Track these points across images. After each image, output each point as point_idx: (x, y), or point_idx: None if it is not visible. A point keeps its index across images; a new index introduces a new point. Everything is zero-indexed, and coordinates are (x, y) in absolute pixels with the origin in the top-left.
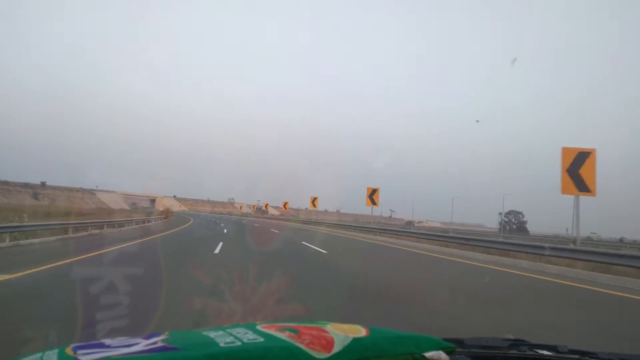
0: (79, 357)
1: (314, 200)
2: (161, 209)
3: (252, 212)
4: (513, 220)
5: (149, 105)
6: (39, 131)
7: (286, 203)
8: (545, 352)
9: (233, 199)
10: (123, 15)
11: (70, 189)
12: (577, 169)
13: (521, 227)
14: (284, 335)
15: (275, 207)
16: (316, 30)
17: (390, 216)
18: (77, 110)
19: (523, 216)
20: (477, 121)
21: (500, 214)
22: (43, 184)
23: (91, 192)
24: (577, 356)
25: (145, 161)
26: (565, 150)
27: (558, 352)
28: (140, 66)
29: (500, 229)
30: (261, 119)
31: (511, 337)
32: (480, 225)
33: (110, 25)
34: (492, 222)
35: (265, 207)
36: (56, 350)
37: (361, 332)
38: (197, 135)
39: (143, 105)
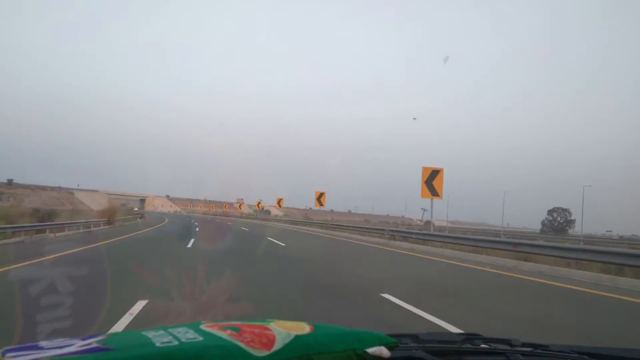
0: (19, 356)
1: (319, 196)
2: (135, 209)
3: (255, 213)
4: (559, 219)
5: (160, 107)
6: (20, 126)
7: (280, 200)
8: (498, 346)
9: (242, 199)
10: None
11: (43, 188)
12: (431, 181)
13: (566, 226)
14: (224, 334)
15: (284, 208)
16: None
17: (423, 218)
18: (71, 109)
19: (570, 214)
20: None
21: (550, 211)
22: (10, 182)
23: (69, 191)
24: (529, 349)
25: (144, 161)
26: (424, 169)
27: (512, 345)
28: (151, 70)
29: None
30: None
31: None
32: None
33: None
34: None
35: (258, 205)
36: None
37: (305, 329)
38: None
39: (157, 107)
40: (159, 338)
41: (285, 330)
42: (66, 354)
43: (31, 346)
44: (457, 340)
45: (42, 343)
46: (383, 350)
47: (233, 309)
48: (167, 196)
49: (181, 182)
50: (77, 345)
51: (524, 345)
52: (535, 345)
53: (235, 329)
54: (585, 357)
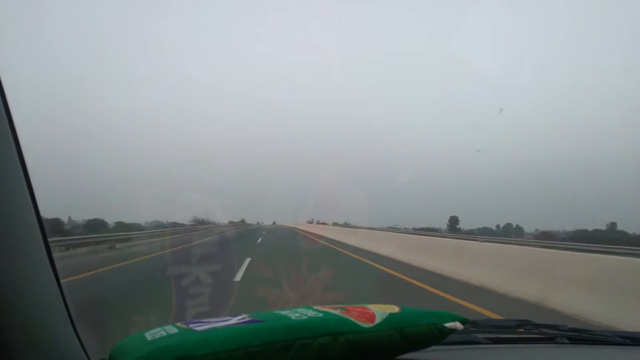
0: (193, 328)
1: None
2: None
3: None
4: None
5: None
6: None
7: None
8: (547, 331)
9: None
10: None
11: None
12: None
13: None
14: (337, 312)
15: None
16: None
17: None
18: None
19: None
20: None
21: None
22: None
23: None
24: (575, 333)
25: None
26: None
27: (559, 330)
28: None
29: None
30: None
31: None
32: None
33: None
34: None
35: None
36: (171, 326)
37: (395, 309)
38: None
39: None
40: (291, 314)
41: (381, 309)
42: (234, 324)
43: (201, 321)
44: (510, 326)
45: (206, 319)
46: (457, 325)
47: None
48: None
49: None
50: (236, 319)
51: (570, 330)
52: (581, 330)
53: (343, 309)
54: (628, 341)
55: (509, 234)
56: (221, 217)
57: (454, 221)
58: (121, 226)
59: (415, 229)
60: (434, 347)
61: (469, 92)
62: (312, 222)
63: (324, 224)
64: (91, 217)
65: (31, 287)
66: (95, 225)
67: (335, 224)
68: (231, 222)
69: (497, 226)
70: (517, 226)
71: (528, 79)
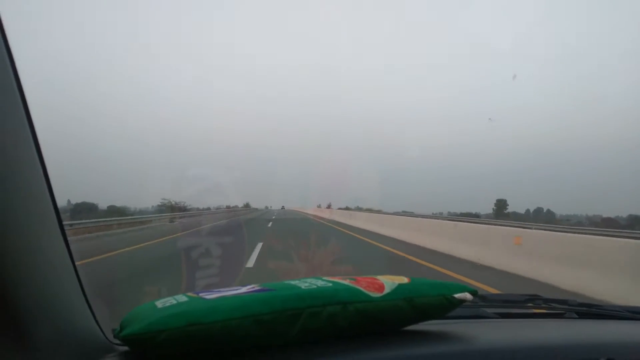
0: (203, 296)
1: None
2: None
3: None
4: None
5: None
6: None
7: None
8: (556, 305)
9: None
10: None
11: None
12: None
13: None
14: (346, 282)
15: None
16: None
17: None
18: None
19: None
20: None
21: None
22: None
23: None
24: (584, 308)
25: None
26: None
27: (568, 304)
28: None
29: None
30: None
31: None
32: None
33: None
34: None
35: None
36: (181, 295)
37: (404, 280)
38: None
39: None
40: (301, 284)
41: (390, 280)
42: (244, 292)
43: (211, 291)
44: (519, 301)
45: (216, 289)
46: (467, 295)
47: None
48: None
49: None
50: (245, 288)
51: (580, 305)
52: (590, 305)
53: (352, 279)
54: (638, 315)
55: (541, 219)
56: (215, 200)
57: (502, 205)
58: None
59: (451, 214)
60: (442, 320)
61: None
62: (329, 207)
63: (344, 208)
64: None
65: (46, 262)
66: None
67: (347, 208)
68: (228, 207)
69: (527, 210)
70: (549, 210)
71: None
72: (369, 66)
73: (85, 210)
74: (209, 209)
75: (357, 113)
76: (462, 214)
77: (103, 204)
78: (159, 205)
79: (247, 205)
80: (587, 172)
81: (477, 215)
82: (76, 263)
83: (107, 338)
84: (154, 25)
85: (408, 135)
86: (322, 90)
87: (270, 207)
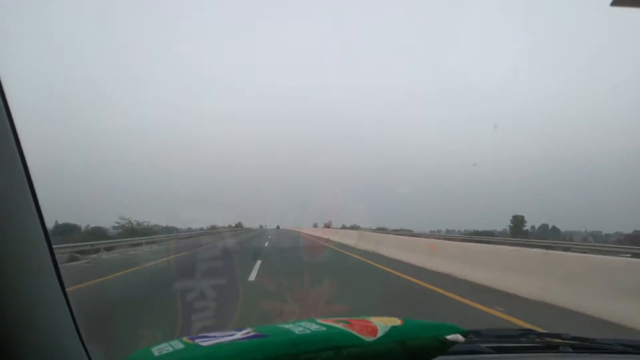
0: (199, 343)
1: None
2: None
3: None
4: None
5: None
6: None
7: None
8: (550, 339)
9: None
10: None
11: None
12: None
13: None
14: (340, 325)
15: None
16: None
17: None
18: None
19: None
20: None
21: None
22: None
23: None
24: (578, 342)
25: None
26: None
27: (562, 338)
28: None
29: None
30: None
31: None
32: None
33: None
34: None
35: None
36: (177, 340)
37: (397, 322)
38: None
39: None
40: (295, 328)
41: (383, 322)
42: (239, 338)
43: (205, 336)
44: (513, 335)
45: (210, 334)
46: (459, 337)
47: None
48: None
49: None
50: (240, 333)
51: (573, 338)
52: (583, 339)
53: (346, 322)
54: (630, 349)
55: (547, 236)
56: (196, 220)
57: (518, 222)
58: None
59: (464, 233)
60: (437, 358)
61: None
62: (328, 226)
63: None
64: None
65: (38, 298)
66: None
67: (349, 227)
68: (213, 227)
69: (532, 227)
70: (554, 227)
71: None
72: (368, 81)
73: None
74: (189, 229)
75: (358, 131)
76: (477, 232)
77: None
78: (113, 227)
79: (238, 225)
80: (588, 188)
81: (491, 234)
82: None
83: None
84: (134, 37)
85: (409, 153)
86: (317, 110)
87: (265, 226)
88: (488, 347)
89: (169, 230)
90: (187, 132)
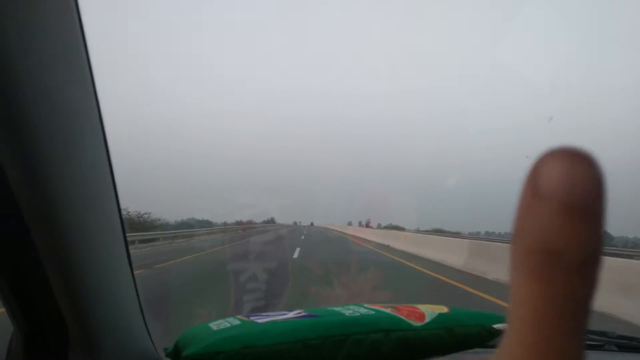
0: (254, 320)
1: None
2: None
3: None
4: None
5: None
6: None
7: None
8: (595, 337)
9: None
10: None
11: None
12: None
13: None
14: (387, 310)
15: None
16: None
17: None
18: None
19: None
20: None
21: None
22: None
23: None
24: (625, 341)
25: None
26: None
27: (607, 337)
28: None
29: None
30: None
31: None
32: None
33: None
34: None
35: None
36: (232, 318)
37: (444, 309)
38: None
39: None
40: (344, 311)
41: (430, 309)
42: (291, 317)
43: (259, 315)
44: None
45: (266, 313)
46: (507, 327)
47: None
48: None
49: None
50: (292, 313)
51: (619, 337)
52: (630, 338)
53: (393, 307)
54: None
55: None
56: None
57: None
58: None
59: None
60: (480, 349)
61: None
62: (367, 225)
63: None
64: None
65: (111, 280)
66: None
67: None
68: (240, 222)
69: None
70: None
71: None
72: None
73: None
74: (209, 223)
75: (398, 130)
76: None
77: None
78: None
79: (270, 221)
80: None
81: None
82: None
83: (159, 356)
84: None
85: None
86: (359, 112)
87: (300, 222)
88: None
89: (201, 224)
90: (219, 125)
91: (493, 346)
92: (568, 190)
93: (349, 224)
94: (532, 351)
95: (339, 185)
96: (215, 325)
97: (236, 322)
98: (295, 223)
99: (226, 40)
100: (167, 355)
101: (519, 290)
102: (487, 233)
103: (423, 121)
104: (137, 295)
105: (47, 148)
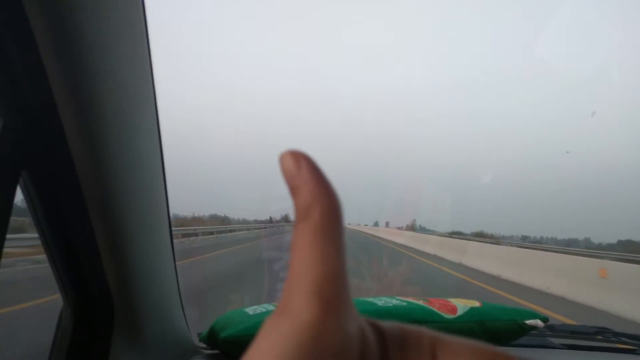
0: None
1: None
2: None
3: None
4: None
5: None
6: None
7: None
8: (627, 340)
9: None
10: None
11: None
12: None
13: None
14: (419, 302)
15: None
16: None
17: None
18: None
19: None
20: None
21: None
22: None
23: None
24: None
25: None
26: None
27: None
28: None
29: None
30: None
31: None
32: None
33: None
34: None
35: None
36: (267, 304)
37: (476, 304)
38: None
39: None
40: (377, 301)
41: (462, 303)
42: None
43: None
44: (588, 332)
45: None
46: (539, 322)
47: None
48: None
49: None
50: None
51: None
52: None
53: (425, 300)
54: None
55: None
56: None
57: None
58: None
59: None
60: (509, 347)
61: None
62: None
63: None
64: None
65: (157, 267)
66: None
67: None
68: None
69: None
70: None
71: None
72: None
73: None
74: (244, 220)
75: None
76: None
77: None
78: None
79: (285, 219)
80: None
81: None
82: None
83: (193, 341)
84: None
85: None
86: (394, 111)
87: None
88: (561, 343)
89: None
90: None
91: (520, 344)
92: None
93: (375, 224)
94: None
95: (367, 183)
96: (251, 310)
97: (271, 307)
98: None
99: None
100: (201, 340)
101: None
102: (523, 237)
103: (457, 118)
104: (177, 282)
105: (110, 140)
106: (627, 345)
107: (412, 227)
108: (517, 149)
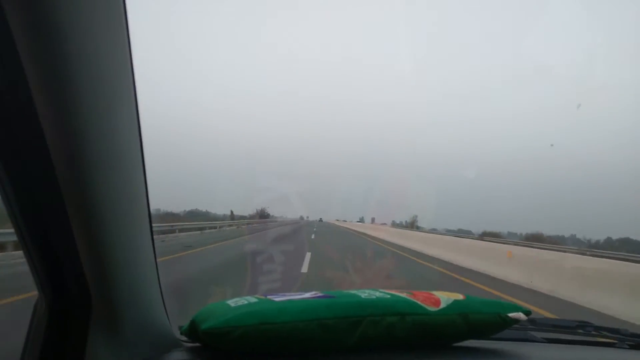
0: (272, 299)
1: None
2: None
3: None
4: None
5: None
6: None
7: None
8: (608, 334)
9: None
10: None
11: None
12: None
13: None
14: (403, 295)
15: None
16: None
17: None
18: None
19: None
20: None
21: None
22: None
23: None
24: (637, 339)
25: None
26: None
27: (620, 334)
28: None
29: None
30: None
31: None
32: None
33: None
34: None
35: None
36: (250, 296)
37: (459, 296)
38: None
39: None
40: (360, 293)
41: (446, 296)
42: (308, 297)
43: (278, 294)
44: (569, 326)
45: (282, 293)
46: (521, 315)
47: None
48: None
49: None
50: (309, 294)
51: (632, 335)
52: None
53: (409, 292)
54: None
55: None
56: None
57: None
58: None
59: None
60: (491, 340)
61: None
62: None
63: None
64: None
65: (135, 258)
66: None
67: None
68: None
69: (609, 238)
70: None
71: None
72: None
73: None
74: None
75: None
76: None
77: None
78: None
79: (263, 214)
80: None
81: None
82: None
83: (174, 333)
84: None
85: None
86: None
87: (307, 217)
88: (542, 336)
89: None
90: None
91: (502, 337)
92: None
93: (361, 220)
94: None
95: (352, 179)
96: (233, 302)
97: (253, 300)
98: (301, 218)
99: (248, 43)
100: (181, 333)
101: None
102: (509, 234)
103: (443, 114)
104: (158, 276)
105: (88, 133)
106: (607, 338)
107: (412, 224)
108: (504, 143)
